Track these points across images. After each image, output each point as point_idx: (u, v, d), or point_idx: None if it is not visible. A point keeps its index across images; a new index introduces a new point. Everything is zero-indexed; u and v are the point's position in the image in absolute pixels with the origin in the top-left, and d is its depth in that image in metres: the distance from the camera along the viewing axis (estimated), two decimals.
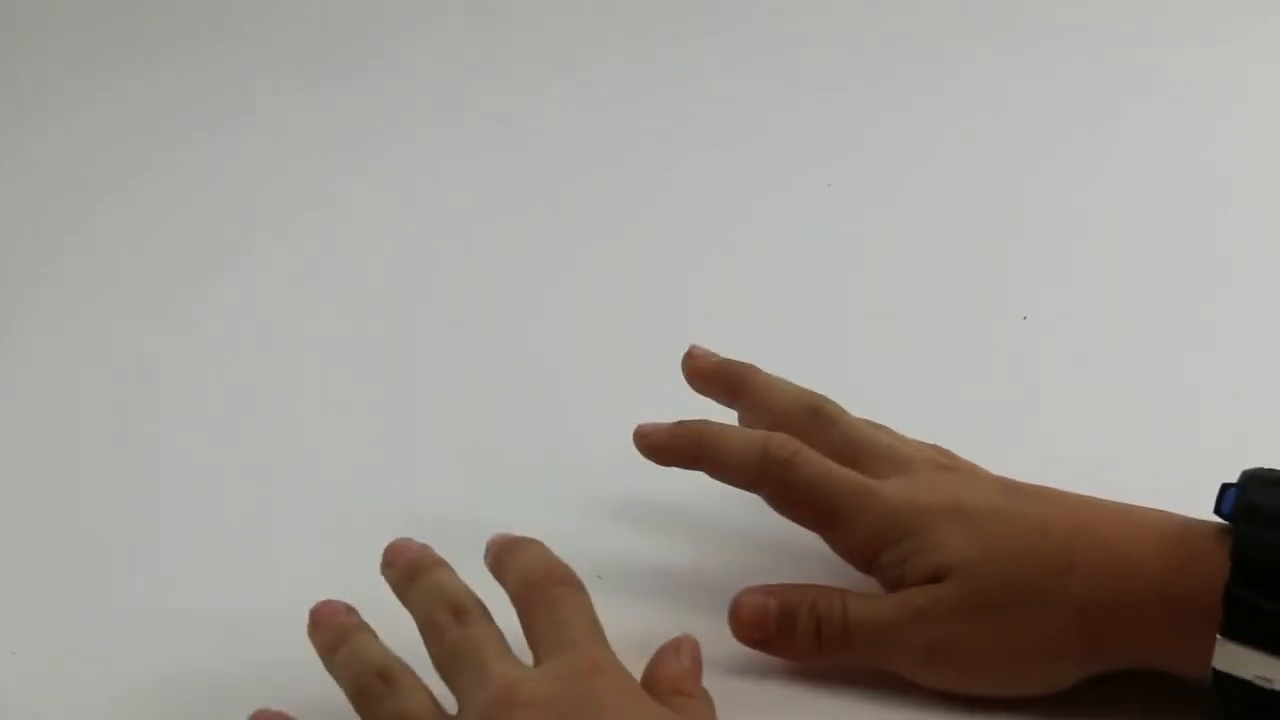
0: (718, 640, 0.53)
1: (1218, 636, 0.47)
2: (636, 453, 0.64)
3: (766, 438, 0.54)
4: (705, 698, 0.50)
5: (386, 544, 0.52)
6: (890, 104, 1.00)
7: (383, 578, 0.52)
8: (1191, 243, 0.82)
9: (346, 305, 0.78)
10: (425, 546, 0.52)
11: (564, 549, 0.59)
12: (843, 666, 0.52)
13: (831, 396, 0.68)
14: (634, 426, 0.57)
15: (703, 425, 0.56)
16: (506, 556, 0.52)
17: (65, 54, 1.10)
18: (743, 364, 0.59)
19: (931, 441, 0.60)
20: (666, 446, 0.56)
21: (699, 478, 0.60)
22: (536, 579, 0.50)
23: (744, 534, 0.60)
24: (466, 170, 0.92)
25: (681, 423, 0.56)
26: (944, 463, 0.56)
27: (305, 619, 0.55)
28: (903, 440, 0.57)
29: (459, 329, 0.76)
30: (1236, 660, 0.47)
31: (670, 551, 0.60)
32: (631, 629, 0.55)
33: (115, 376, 0.72)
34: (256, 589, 0.58)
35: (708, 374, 0.59)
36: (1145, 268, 0.79)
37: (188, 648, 0.55)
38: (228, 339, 0.75)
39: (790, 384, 0.58)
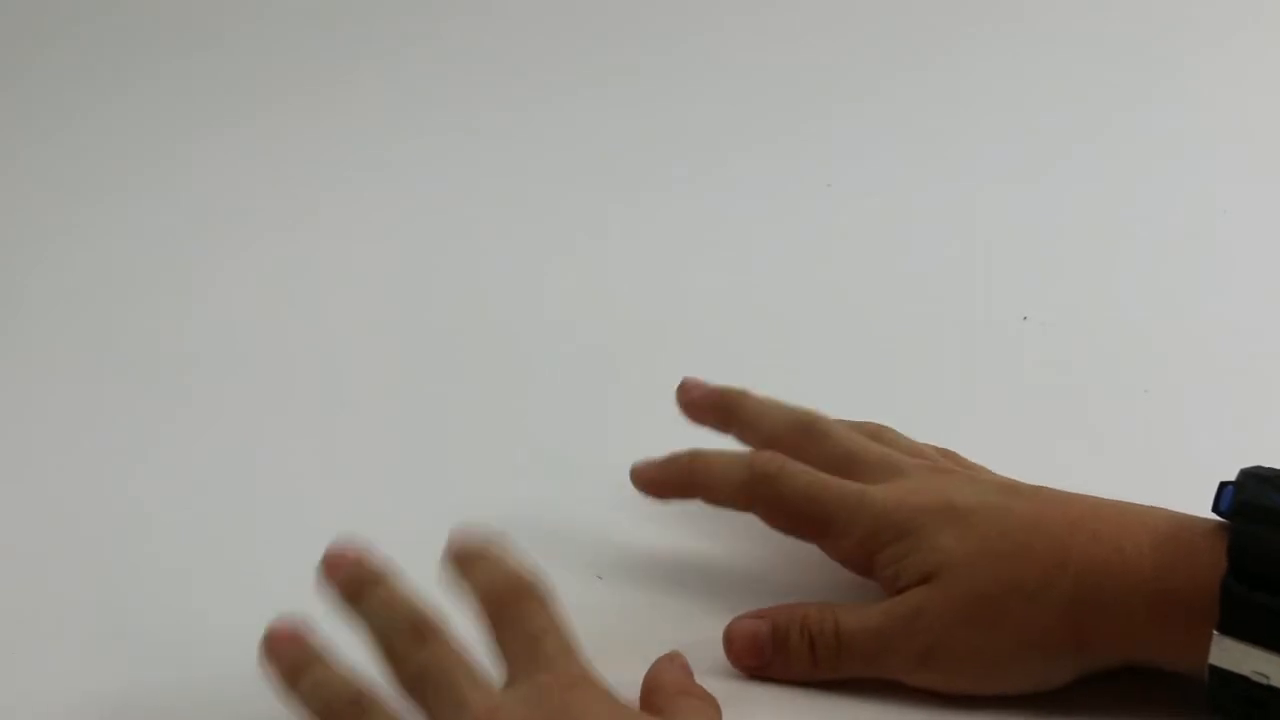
0: (718, 641, 0.53)
1: (1214, 632, 0.47)
2: (637, 454, 0.64)
3: (752, 456, 0.55)
4: (709, 699, 0.50)
5: (325, 549, 0.50)
6: (890, 104, 1.00)
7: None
8: (1191, 242, 0.82)
9: (347, 306, 0.78)
10: (364, 552, 0.50)
11: (564, 549, 0.59)
12: (840, 678, 0.52)
13: (832, 396, 0.68)
14: (630, 465, 0.58)
15: (691, 454, 0.57)
16: (468, 567, 0.50)
17: (66, 54, 1.10)
18: (734, 390, 0.59)
19: (932, 440, 0.60)
20: (659, 480, 0.57)
21: None
22: (503, 592, 0.49)
23: (744, 534, 0.60)
24: (469, 170, 0.92)
25: (672, 455, 0.57)
26: (939, 465, 0.56)
27: (314, 613, 0.55)
28: (898, 446, 0.57)
29: (460, 330, 0.76)
30: (1233, 656, 0.47)
31: (670, 552, 0.60)
32: (631, 630, 0.55)
33: (115, 378, 0.72)
34: (257, 590, 0.58)
35: (700, 404, 0.59)
36: (1145, 267, 0.80)
37: (191, 648, 0.55)
38: (228, 339, 0.75)
39: (781, 404, 0.58)
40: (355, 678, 0.48)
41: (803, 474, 0.54)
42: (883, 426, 0.59)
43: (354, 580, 0.49)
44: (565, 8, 1.13)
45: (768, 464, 0.54)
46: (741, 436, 0.58)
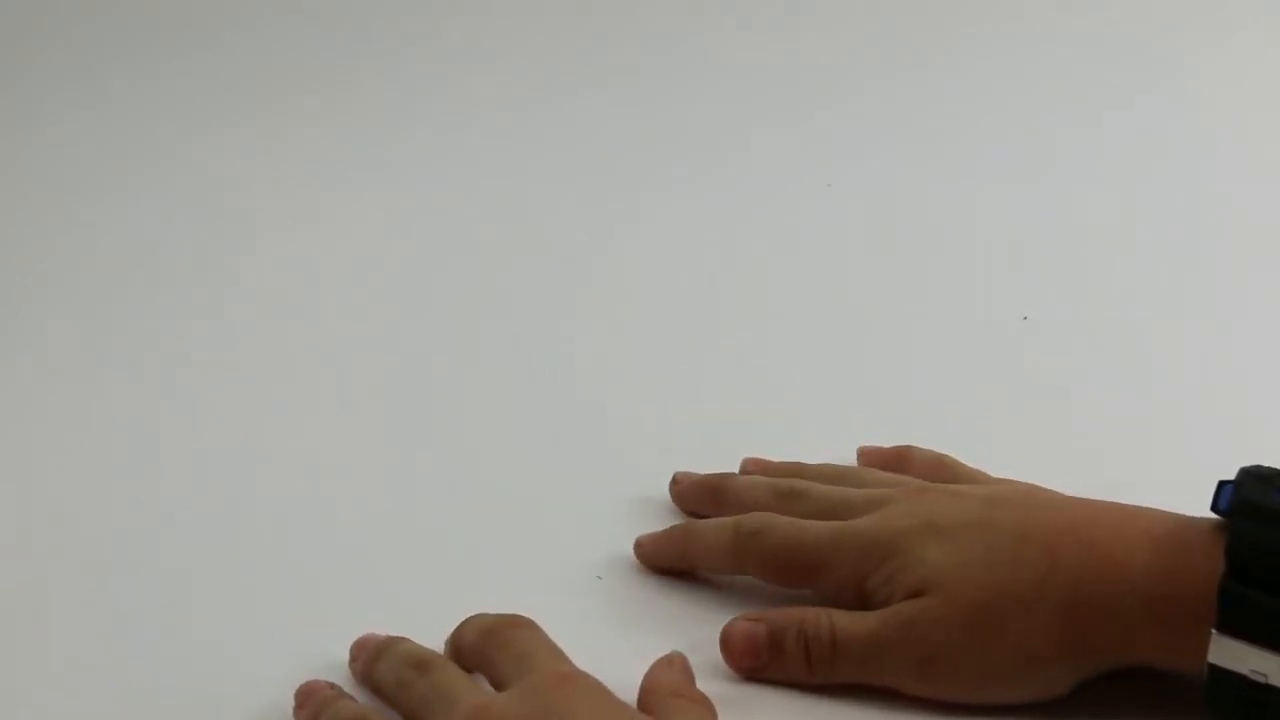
0: (715, 642, 0.53)
1: (1213, 631, 0.47)
2: (637, 455, 0.64)
3: (736, 519, 0.56)
4: (705, 702, 0.50)
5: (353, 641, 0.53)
6: (890, 104, 1.00)
7: (351, 671, 0.53)
8: (1191, 242, 0.82)
9: (347, 306, 0.78)
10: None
11: (564, 550, 0.59)
12: (836, 683, 0.52)
13: (832, 396, 0.69)
14: (635, 538, 0.59)
15: (684, 526, 0.58)
16: (459, 627, 0.53)
17: (66, 54, 1.10)
18: (719, 475, 0.61)
19: (932, 442, 0.61)
20: (657, 553, 0.58)
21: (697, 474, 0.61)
22: (490, 626, 0.52)
23: None
24: (469, 170, 0.92)
25: (668, 529, 0.58)
26: (925, 486, 0.56)
27: (312, 621, 0.55)
28: (879, 484, 0.57)
29: (460, 330, 0.76)
30: (1232, 655, 0.47)
31: None
32: (630, 630, 0.55)
33: (115, 378, 0.72)
34: (257, 589, 0.58)
35: (689, 493, 0.61)
36: (1145, 267, 0.79)
37: (191, 648, 0.55)
38: (228, 339, 0.75)
39: (761, 479, 0.59)
40: (368, 709, 0.50)
41: (785, 524, 0.55)
42: (910, 447, 0.61)
43: (374, 648, 0.52)
44: (565, 8, 1.13)
45: (751, 521, 0.56)
46: (730, 514, 0.59)
